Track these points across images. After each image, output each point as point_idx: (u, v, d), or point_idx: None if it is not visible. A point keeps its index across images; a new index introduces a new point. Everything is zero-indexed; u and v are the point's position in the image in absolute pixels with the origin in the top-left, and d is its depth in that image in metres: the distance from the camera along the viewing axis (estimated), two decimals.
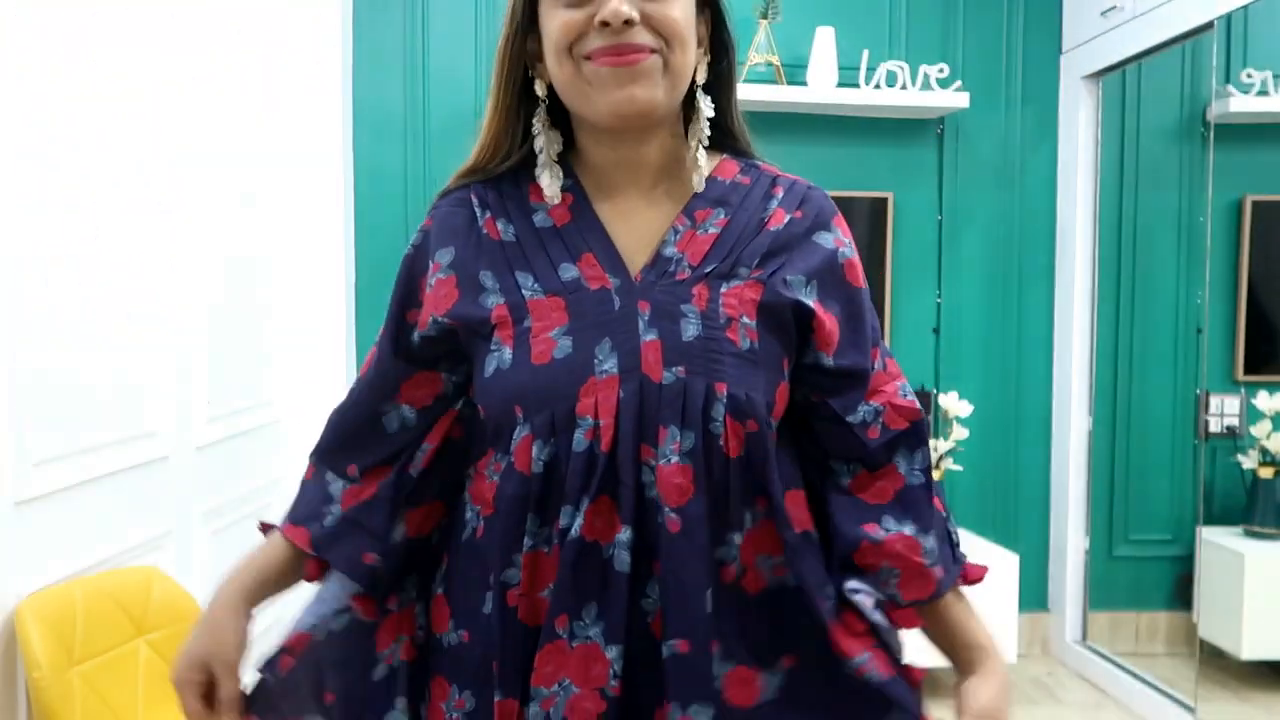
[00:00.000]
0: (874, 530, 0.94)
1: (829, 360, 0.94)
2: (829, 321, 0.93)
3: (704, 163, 0.93)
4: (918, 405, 0.97)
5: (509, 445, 0.89)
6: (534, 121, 0.94)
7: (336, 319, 3.08)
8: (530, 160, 0.95)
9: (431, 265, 0.95)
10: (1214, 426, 3.01)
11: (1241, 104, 2.88)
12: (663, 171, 0.95)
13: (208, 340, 2.46)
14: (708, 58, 0.96)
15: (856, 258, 0.98)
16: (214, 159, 2.51)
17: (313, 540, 1.01)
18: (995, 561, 3.15)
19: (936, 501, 0.98)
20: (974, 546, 3.25)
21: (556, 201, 0.93)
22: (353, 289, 3.16)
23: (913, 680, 0.99)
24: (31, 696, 1.67)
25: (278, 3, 2.92)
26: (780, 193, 0.96)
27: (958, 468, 3.31)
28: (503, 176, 0.96)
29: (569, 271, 0.90)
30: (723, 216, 0.93)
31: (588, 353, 0.86)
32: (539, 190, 0.93)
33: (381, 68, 3.18)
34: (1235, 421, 3.02)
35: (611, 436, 0.85)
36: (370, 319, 3.20)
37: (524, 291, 0.89)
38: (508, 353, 0.88)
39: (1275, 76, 2.87)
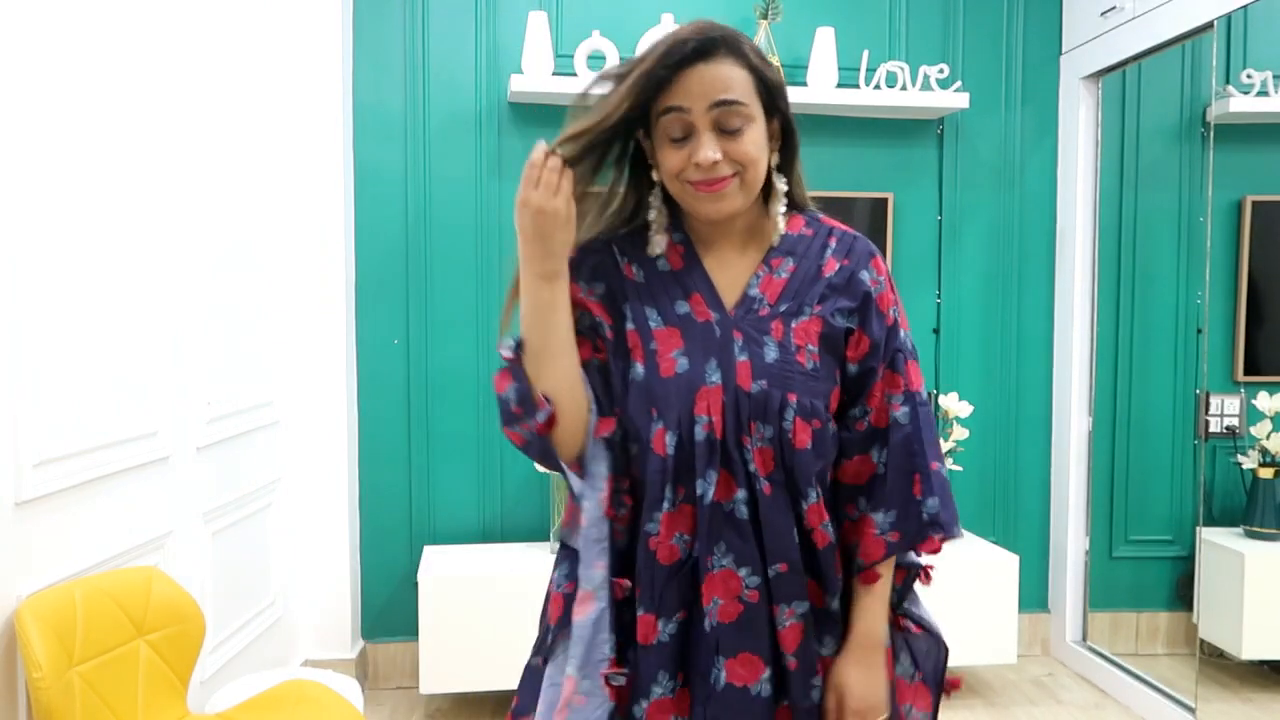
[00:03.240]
0: (851, 511, 1.29)
1: (853, 368, 1.27)
2: (862, 342, 1.27)
3: (783, 225, 1.29)
4: (895, 417, 1.27)
5: (648, 433, 1.21)
6: (650, 199, 1.30)
7: (336, 319, 3.08)
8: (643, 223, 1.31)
9: (587, 289, 1.27)
10: (1214, 427, 3.01)
11: (1241, 104, 2.88)
12: (748, 231, 1.29)
13: (208, 341, 2.46)
14: (778, 146, 1.28)
15: (888, 290, 1.29)
16: (214, 160, 2.51)
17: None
18: (995, 561, 3.15)
19: (917, 488, 1.26)
20: (974, 546, 3.26)
21: (660, 252, 1.28)
22: (353, 289, 3.16)
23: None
24: (31, 697, 1.67)
25: (278, 3, 2.93)
26: (834, 243, 1.29)
27: (958, 468, 3.31)
28: (627, 234, 1.30)
29: (682, 308, 1.26)
30: (792, 264, 1.28)
31: (700, 369, 1.22)
32: (654, 244, 1.29)
33: (381, 68, 3.18)
34: (1235, 422, 3.01)
35: (721, 428, 1.20)
36: (370, 319, 3.20)
37: (650, 323, 1.25)
38: (640, 368, 1.23)
39: (1275, 76, 2.86)
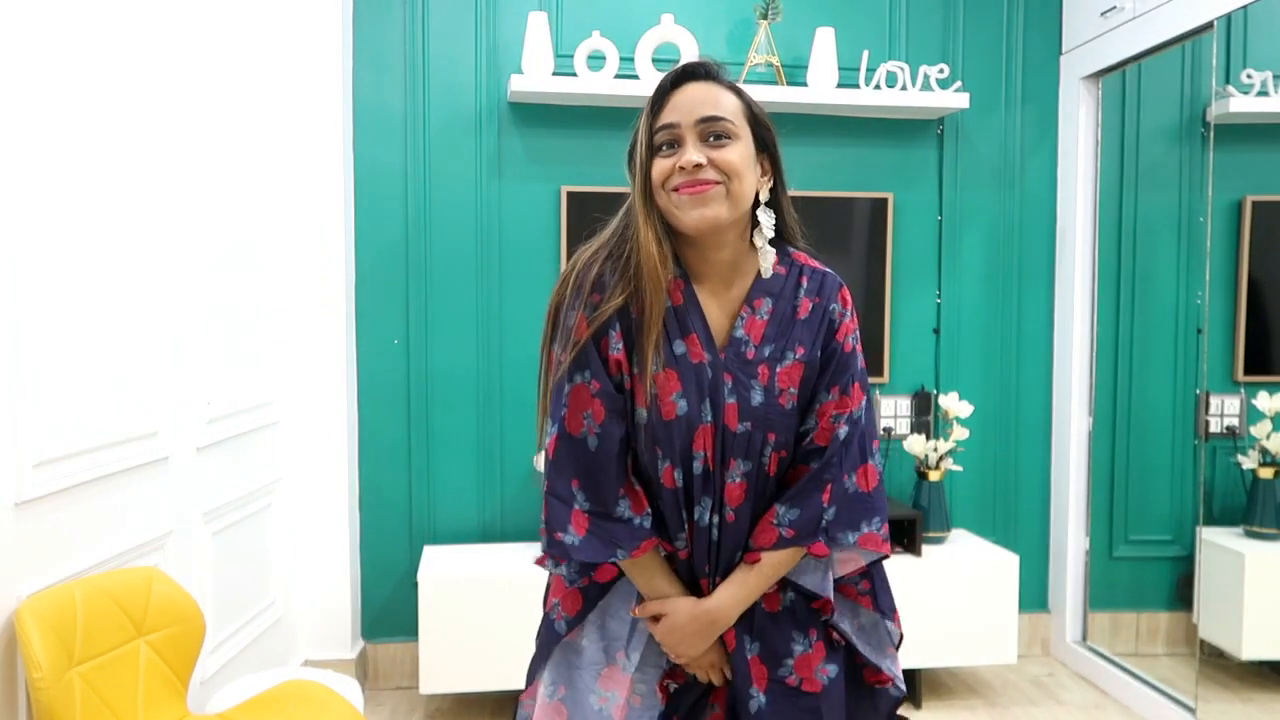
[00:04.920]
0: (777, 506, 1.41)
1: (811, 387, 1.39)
2: (817, 364, 1.38)
3: (769, 259, 1.39)
4: (836, 434, 1.37)
5: (656, 470, 1.34)
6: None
7: (336, 319, 3.08)
8: None
9: (614, 333, 1.34)
10: (1214, 427, 3.01)
11: (1241, 104, 2.88)
12: (733, 265, 1.39)
13: (208, 341, 2.46)
14: (769, 183, 1.38)
15: (850, 320, 1.41)
16: (214, 160, 2.51)
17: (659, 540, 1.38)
18: (995, 561, 3.15)
19: (825, 496, 1.36)
20: (974, 546, 3.26)
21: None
22: (352, 289, 3.16)
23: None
24: (32, 697, 1.67)
25: (278, 3, 2.92)
26: (805, 282, 1.40)
27: (958, 468, 3.31)
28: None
29: (679, 348, 1.35)
30: (770, 305, 1.39)
31: (696, 409, 1.33)
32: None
33: (381, 68, 3.18)
34: (1235, 422, 3.01)
35: (712, 461, 1.34)
36: (370, 319, 3.20)
37: (650, 368, 1.32)
38: (643, 412, 1.34)
39: (1275, 76, 2.86)
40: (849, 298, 1.42)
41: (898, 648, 1.49)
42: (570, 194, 3.21)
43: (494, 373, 3.25)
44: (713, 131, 1.29)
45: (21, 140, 1.76)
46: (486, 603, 2.86)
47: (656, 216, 1.34)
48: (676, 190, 1.30)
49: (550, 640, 1.43)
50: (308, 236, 3.03)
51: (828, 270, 1.42)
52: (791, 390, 1.35)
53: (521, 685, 2.93)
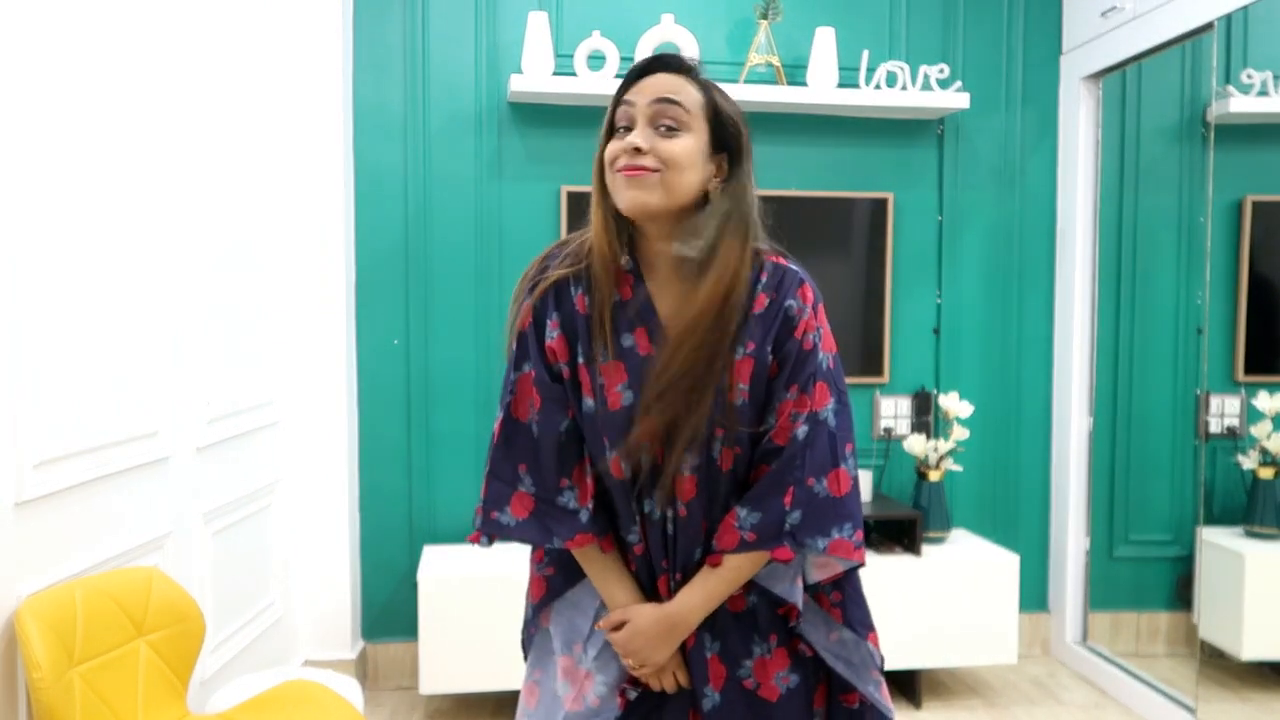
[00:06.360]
0: (732, 502, 1.37)
1: (768, 385, 1.35)
2: (773, 365, 1.34)
3: None
4: (794, 434, 1.32)
5: (605, 460, 1.34)
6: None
7: (336, 319, 3.08)
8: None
9: (549, 323, 1.36)
10: (1214, 427, 3.01)
11: (1241, 104, 2.88)
12: (685, 258, 1.33)
13: (208, 341, 2.46)
14: (720, 183, 1.34)
15: (811, 316, 1.34)
16: (214, 160, 2.51)
17: (597, 537, 1.39)
18: (995, 562, 3.15)
19: (788, 499, 1.31)
20: (974, 546, 3.26)
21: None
22: (353, 289, 3.16)
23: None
24: (32, 697, 1.67)
25: (278, 3, 2.93)
26: (765, 277, 1.35)
27: (958, 468, 3.31)
28: (582, 266, 1.37)
29: (627, 340, 1.34)
30: None
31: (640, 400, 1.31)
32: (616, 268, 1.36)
33: (381, 68, 3.18)
34: (1235, 422, 3.01)
35: (661, 454, 1.32)
36: (370, 319, 3.20)
37: (599, 358, 1.33)
38: (590, 402, 1.34)
39: (1275, 76, 2.86)
40: (811, 294, 1.35)
41: (882, 671, 1.44)
42: (570, 194, 3.21)
43: (494, 373, 3.25)
44: (664, 118, 1.29)
45: (22, 141, 1.76)
46: (486, 603, 2.87)
47: (609, 201, 1.34)
48: (619, 171, 1.29)
49: (525, 626, 1.50)
50: (308, 236, 3.03)
51: (790, 266, 1.37)
52: (742, 386, 1.31)
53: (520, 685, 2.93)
